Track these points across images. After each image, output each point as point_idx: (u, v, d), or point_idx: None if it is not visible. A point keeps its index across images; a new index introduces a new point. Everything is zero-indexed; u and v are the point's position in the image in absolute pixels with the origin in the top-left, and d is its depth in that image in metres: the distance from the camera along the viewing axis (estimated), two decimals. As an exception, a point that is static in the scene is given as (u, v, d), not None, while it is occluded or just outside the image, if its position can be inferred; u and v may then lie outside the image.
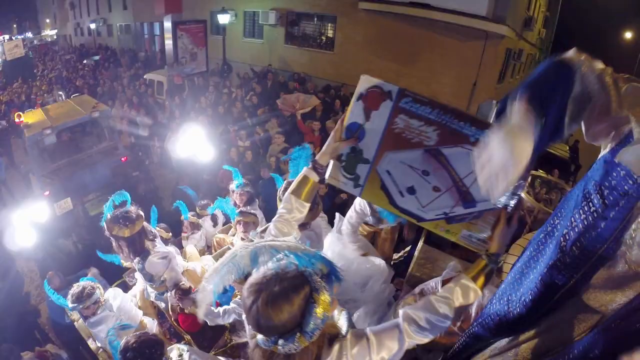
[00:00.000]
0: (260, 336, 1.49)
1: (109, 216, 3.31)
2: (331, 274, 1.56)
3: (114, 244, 3.41)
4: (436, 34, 13.37)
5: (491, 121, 1.85)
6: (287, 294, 1.42)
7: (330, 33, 16.18)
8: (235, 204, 5.09)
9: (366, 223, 3.70)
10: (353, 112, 1.91)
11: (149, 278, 3.55)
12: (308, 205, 2.02)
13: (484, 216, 1.86)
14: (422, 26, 13.42)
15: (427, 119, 1.79)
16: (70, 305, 3.52)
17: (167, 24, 15.38)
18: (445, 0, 12.88)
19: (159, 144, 10.31)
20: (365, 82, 1.85)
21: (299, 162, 3.62)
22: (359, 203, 3.31)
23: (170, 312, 3.79)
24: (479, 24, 12.64)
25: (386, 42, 14.21)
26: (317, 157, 2.02)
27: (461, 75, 13.51)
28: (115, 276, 4.63)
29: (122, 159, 8.83)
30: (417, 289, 2.74)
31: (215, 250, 4.88)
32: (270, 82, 13.45)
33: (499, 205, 1.81)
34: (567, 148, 15.18)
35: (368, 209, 3.25)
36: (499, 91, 14.59)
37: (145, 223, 3.49)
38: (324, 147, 2.00)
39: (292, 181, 2.15)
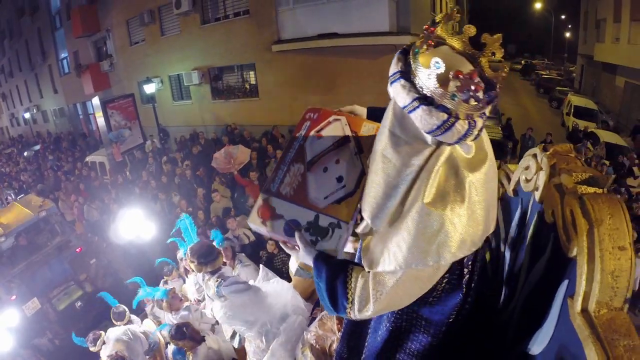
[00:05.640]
0: None
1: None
2: None
3: None
4: (349, 58, 14.01)
5: None
6: None
7: (252, 80, 16.76)
8: (185, 271, 5.74)
9: None
10: None
11: None
12: None
13: None
14: (335, 54, 14.11)
15: None
16: None
17: (96, 104, 15.38)
18: (350, 25, 13.59)
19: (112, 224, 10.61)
20: None
21: (186, 233, 4.45)
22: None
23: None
24: (384, 40, 13.28)
25: (305, 78, 14.82)
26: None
27: (382, 90, 14.09)
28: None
29: (77, 250, 9.19)
30: (318, 316, 3.33)
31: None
32: (202, 141, 14.04)
33: None
34: (500, 129, 16.14)
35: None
36: (421, 93, 15.50)
37: None
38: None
39: None
